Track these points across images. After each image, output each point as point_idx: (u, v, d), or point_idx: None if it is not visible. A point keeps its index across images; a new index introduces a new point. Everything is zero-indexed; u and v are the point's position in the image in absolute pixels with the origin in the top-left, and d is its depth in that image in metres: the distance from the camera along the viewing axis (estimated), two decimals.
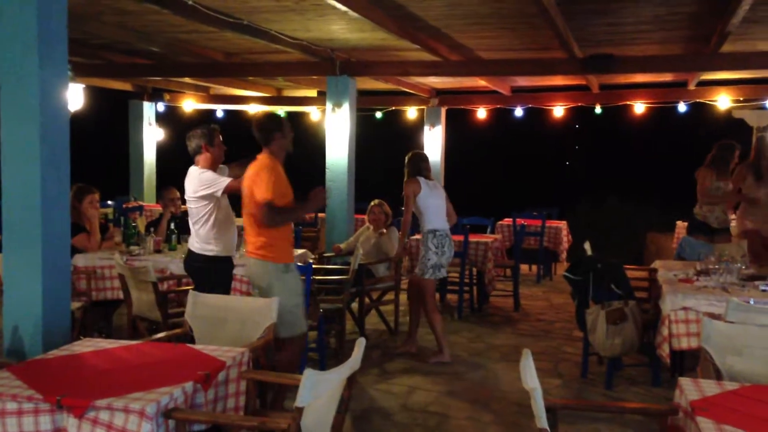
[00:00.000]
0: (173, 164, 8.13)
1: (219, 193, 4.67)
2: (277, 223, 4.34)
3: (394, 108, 12.73)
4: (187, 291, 4.56)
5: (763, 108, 10.91)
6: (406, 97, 12.22)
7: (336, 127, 8.48)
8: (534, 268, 10.38)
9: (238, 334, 3.87)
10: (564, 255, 10.32)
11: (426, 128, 12.58)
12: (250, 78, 11.11)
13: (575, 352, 6.11)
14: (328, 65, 8.43)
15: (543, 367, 5.80)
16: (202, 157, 4.80)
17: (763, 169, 6.89)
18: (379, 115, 12.92)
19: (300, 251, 6.32)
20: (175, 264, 5.67)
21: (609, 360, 5.32)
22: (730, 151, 7.05)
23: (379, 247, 7.05)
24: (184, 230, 5.97)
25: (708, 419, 2.52)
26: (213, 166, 4.82)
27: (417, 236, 7.68)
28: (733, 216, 7.37)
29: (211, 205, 4.72)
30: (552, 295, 8.92)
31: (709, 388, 2.90)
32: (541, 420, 2.50)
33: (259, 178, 4.29)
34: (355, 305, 6.48)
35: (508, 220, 10.14)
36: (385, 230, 7.18)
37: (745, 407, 2.66)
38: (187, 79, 11.23)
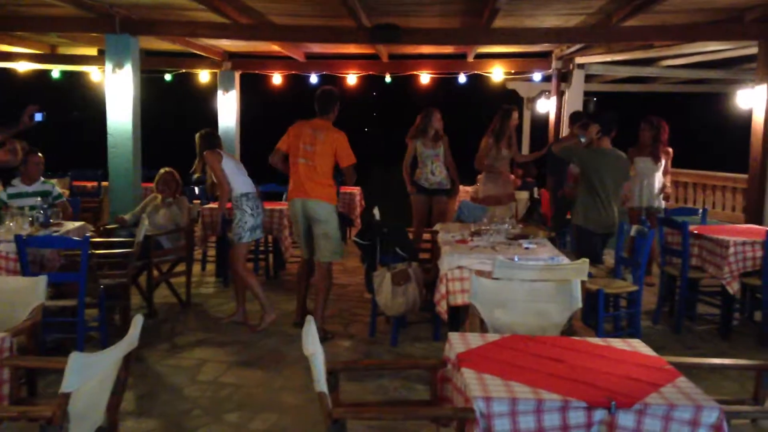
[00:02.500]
0: None
1: None
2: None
3: (184, 71, 12.19)
4: None
5: (531, 80, 11.99)
6: (198, 60, 11.75)
7: (118, 89, 7.94)
8: None
9: (6, 316, 3.54)
10: (358, 220, 10.65)
11: (219, 92, 12.22)
12: (18, 33, 10.01)
13: (365, 313, 6.35)
14: (107, 22, 7.82)
15: (335, 329, 5.97)
16: None
17: (503, 138, 7.49)
18: (168, 77, 12.31)
19: (78, 224, 5.89)
20: None
21: (395, 319, 5.61)
22: (507, 116, 7.52)
23: (169, 217, 6.76)
24: None
25: (471, 369, 2.74)
26: None
27: (212, 204, 7.52)
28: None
29: None
30: (347, 260, 9.14)
31: (474, 340, 3.15)
32: (320, 384, 2.58)
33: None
34: (144, 279, 6.19)
35: None
36: (175, 199, 6.89)
37: (503, 356, 2.93)
38: None
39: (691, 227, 6.10)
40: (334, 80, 12.37)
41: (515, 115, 7.60)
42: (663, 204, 7.65)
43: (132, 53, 7.98)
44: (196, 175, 6.27)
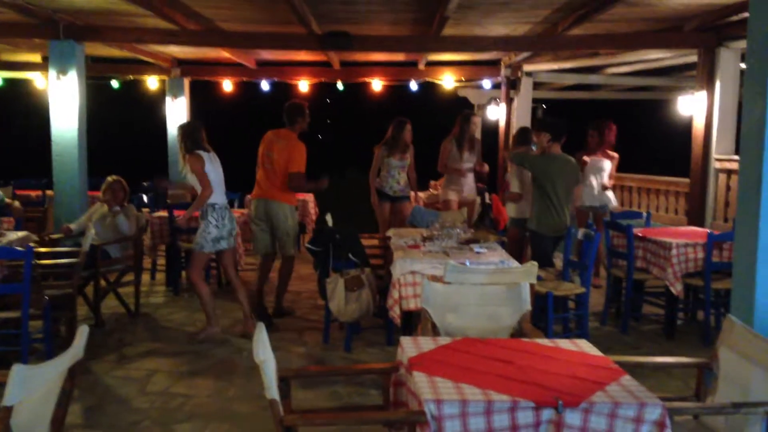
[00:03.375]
0: None
1: None
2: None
3: (132, 77, 11.98)
4: None
5: (480, 88, 12.15)
6: (146, 66, 11.58)
7: (62, 96, 7.77)
8: None
9: None
10: (311, 227, 10.61)
11: (168, 99, 12.05)
12: None
13: (319, 320, 6.33)
14: (50, 28, 7.66)
15: (288, 336, 5.95)
16: None
17: (465, 142, 7.70)
18: (115, 84, 12.08)
19: (21, 234, 5.73)
20: None
21: (348, 325, 5.61)
22: (467, 121, 7.74)
23: (116, 226, 6.63)
24: None
25: (422, 373, 2.76)
26: None
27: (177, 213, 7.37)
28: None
29: None
30: (300, 266, 9.09)
31: (426, 344, 3.18)
32: (271, 391, 2.57)
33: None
34: (91, 289, 6.05)
35: None
36: (122, 208, 6.76)
37: (453, 359, 2.97)
38: None
39: (636, 230, 6.27)
40: (286, 87, 12.33)
41: (476, 119, 7.85)
42: (613, 201, 7.81)
43: (77, 60, 7.82)
44: (183, 173, 6.00)
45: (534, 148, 6.09)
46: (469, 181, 7.93)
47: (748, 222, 3.62)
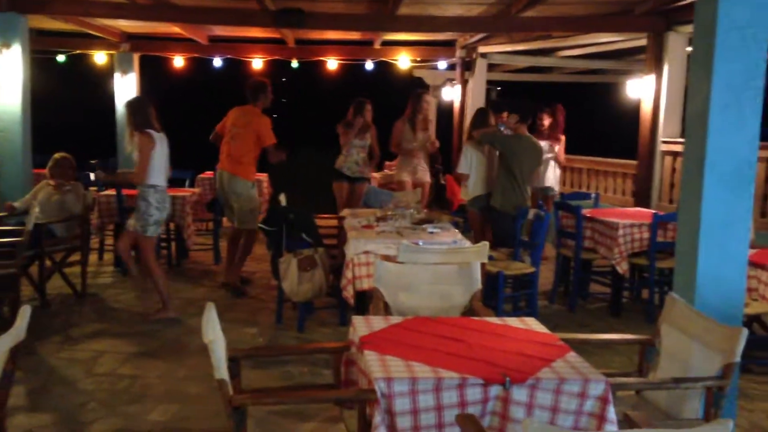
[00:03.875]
0: None
1: None
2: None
3: (79, 52, 11.61)
4: None
5: (436, 68, 12.17)
6: (93, 41, 11.22)
7: (5, 71, 7.48)
8: None
9: None
10: (266, 206, 10.50)
11: (117, 75, 11.72)
12: None
13: (272, 300, 6.30)
14: None
15: (241, 317, 5.91)
16: None
17: (418, 123, 7.71)
18: (62, 58, 11.70)
19: None
20: None
21: (301, 305, 5.59)
22: (419, 100, 7.73)
23: (63, 204, 6.45)
24: None
25: (373, 351, 2.77)
26: None
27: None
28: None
29: None
30: (254, 246, 9.04)
31: (378, 323, 3.19)
32: (220, 371, 2.54)
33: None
34: (35, 269, 5.90)
35: (208, 173, 9.98)
36: (69, 186, 6.58)
37: (404, 338, 2.99)
38: None
39: (585, 211, 6.40)
40: (239, 64, 12.12)
41: (429, 98, 7.86)
42: (557, 188, 8.01)
43: (21, 32, 7.54)
44: (129, 151, 5.83)
45: (502, 128, 6.30)
46: (423, 162, 7.96)
47: (690, 203, 3.72)
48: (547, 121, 7.86)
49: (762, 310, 4.63)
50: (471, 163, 6.64)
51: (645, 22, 8.01)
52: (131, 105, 5.71)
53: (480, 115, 7.20)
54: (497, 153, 6.46)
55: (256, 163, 6.73)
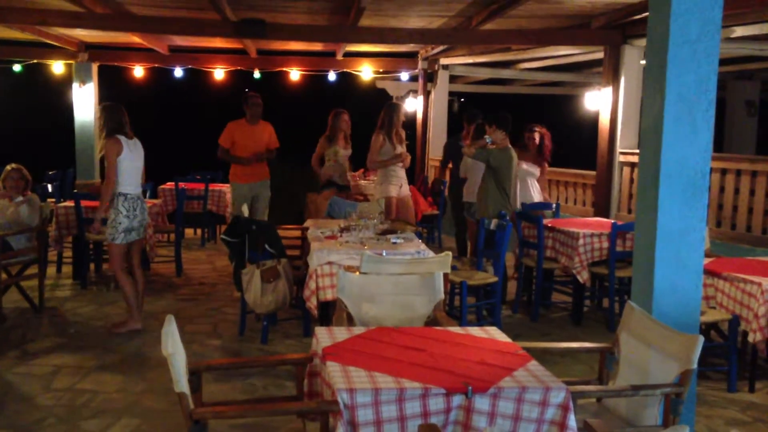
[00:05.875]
0: None
1: None
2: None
3: (36, 61, 11.41)
4: None
5: (398, 80, 12.25)
6: (51, 50, 11.05)
7: None
8: (199, 231, 10.31)
9: None
10: (229, 217, 10.40)
11: (75, 85, 11.54)
12: None
13: (235, 312, 6.24)
14: None
15: (203, 330, 5.84)
16: None
17: (393, 134, 7.62)
18: (17, 68, 11.47)
19: None
20: None
21: (265, 316, 5.55)
22: (394, 110, 7.44)
23: (18, 216, 6.31)
24: None
25: (335, 362, 2.77)
26: None
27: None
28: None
29: None
30: (216, 258, 8.97)
31: (341, 334, 3.19)
32: (179, 384, 2.52)
33: None
34: None
35: (170, 184, 9.87)
36: (22, 198, 6.44)
37: (367, 348, 2.99)
38: None
39: (546, 221, 6.49)
40: (200, 75, 12.03)
41: (403, 108, 7.87)
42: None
43: None
44: (101, 155, 5.76)
45: (489, 141, 6.41)
46: (403, 173, 7.73)
47: (647, 213, 3.80)
48: (534, 143, 7.85)
49: (719, 317, 4.74)
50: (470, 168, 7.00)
51: (601, 36, 8.20)
52: (106, 110, 5.65)
53: (479, 130, 7.13)
54: (486, 166, 6.50)
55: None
